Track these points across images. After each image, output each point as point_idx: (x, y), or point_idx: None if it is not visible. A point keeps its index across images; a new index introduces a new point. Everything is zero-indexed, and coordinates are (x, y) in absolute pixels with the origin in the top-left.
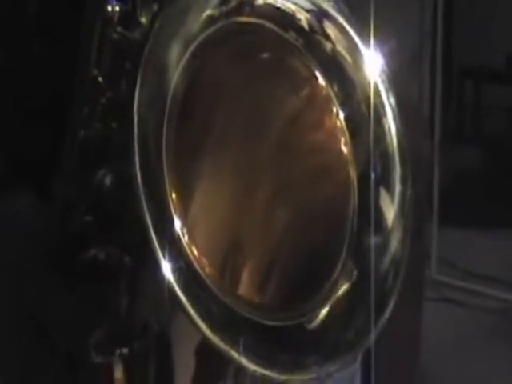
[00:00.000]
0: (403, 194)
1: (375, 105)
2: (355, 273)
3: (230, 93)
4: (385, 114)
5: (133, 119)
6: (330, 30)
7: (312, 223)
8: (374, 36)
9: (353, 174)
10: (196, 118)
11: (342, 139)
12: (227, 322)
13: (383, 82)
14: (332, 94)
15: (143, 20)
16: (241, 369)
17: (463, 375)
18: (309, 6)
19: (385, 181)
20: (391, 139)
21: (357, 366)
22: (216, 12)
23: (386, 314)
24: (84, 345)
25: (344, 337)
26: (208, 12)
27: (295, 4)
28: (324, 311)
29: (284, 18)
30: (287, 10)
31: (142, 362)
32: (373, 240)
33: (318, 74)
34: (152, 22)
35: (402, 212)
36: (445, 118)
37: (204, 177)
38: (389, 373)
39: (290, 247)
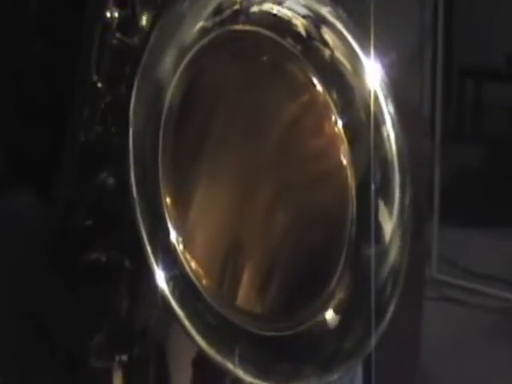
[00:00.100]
0: (402, 202)
1: (374, 112)
2: (353, 283)
3: (228, 99)
4: (384, 122)
5: (129, 131)
6: (328, 36)
7: (311, 230)
8: (374, 43)
9: (351, 182)
10: (193, 126)
11: (341, 147)
12: (223, 333)
13: (382, 88)
14: (330, 101)
15: (143, 24)
16: (238, 380)
17: (463, 374)
18: (305, 11)
19: (384, 190)
20: (390, 146)
21: (357, 367)
22: (209, 23)
23: (385, 322)
24: (84, 345)
25: (342, 346)
26: (201, 24)
27: (291, 10)
28: (321, 321)
29: (280, 25)
30: (283, 17)
31: (141, 368)
32: (373, 252)
33: (316, 80)
34: (147, 34)
35: (401, 221)
36: (445, 117)
37: (201, 185)
38: (389, 372)
39: (290, 254)
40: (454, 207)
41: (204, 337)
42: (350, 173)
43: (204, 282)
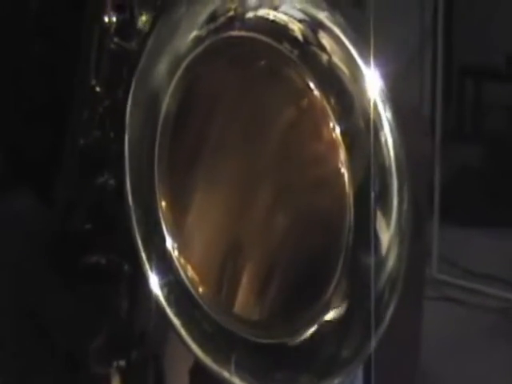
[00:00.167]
0: (400, 209)
1: (372, 118)
2: (350, 290)
3: (225, 105)
4: (382, 127)
5: (124, 139)
6: (326, 40)
7: (309, 237)
8: (373, 48)
9: (349, 189)
10: (190, 133)
11: (339, 153)
12: (220, 341)
13: (380, 93)
14: (328, 107)
15: (141, 27)
16: None
17: (464, 374)
18: (301, 16)
19: (382, 198)
20: (388, 152)
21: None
22: (203, 32)
23: (383, 328)
24: (84, 346)
25: (339, 355)
26: (195, 33)
27: (287, 15)
28: (317, 329)
29: (276, 30)
30: (279, 22)
31: (139, 373)
32: (373, 262)
33: (313, 86)
34: (144, 40)
35: (399, 228)
36: (445, 116)
37: (198, 191)
38: (389, 372)
39: (287, 260)
40: (454, 207)
41: (200, 345)
42: (347, 180)
43: (200, 288)
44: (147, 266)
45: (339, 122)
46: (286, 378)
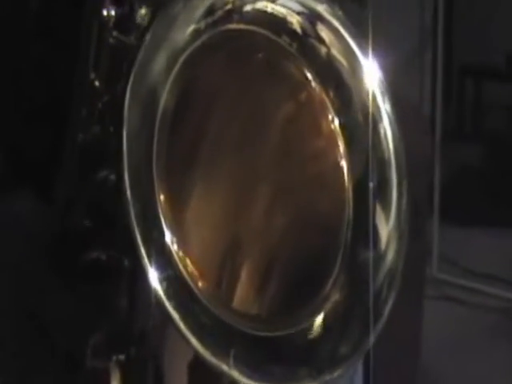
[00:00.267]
0: (399, 203)
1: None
2: (348, 285)
3: (223, 99)
4: (381, 119)
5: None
6: (324, 33)
7: (308, 231)
8: (372, 40)
9: (348, 183)
10: (188, 128)
11: (338, 147)
12: (219, 334)
13: (379, 86)
14: (327, 100)
15: (140, 21)
16: (234, 382)
17: (464, 374)
18: (300, 8)
19: (381, 191)
20: (387, 145)
21: (357, 366)
22: (201, 25)
23: (381, 324)
24: (84, 345)
25: (338, 350)
26: (193, 26)
27: (285, 7)
28: (315, 324)
29: (275, 23)
30: (278, 14)
31: (139, 368)
32: (371, 258)
33: (312, 78)
34: (142, 35)
35: (398, 223)
36: (445, 116)
37: (197, 186)
38: (389, 372)
39: (287, 256)
40: (454, 206)
41: (199, 338)
42: (346, 174)
43: (199, 283)
44: (146, 261)
45: (338, 114)
46: (285, 372)
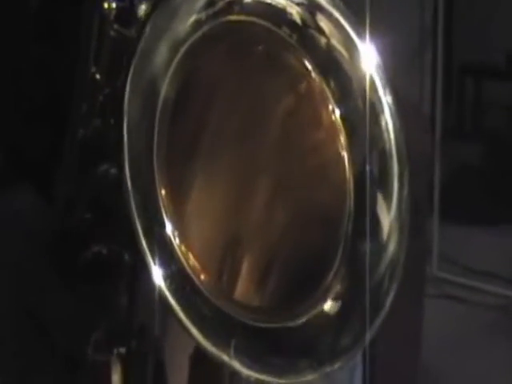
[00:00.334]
0: (400, 194)
1: (372, 102)
2: (349, 276)
3: (224, 91)
4: (382, 111)
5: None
6: (324, 23)
7: (309, 224)
8: (371, 30)
9: (349, 174)
10: (189, 120)
11: (339, 137)
12: (219, 325)
13: (380, 77)
14: (328, 91)
15: (141, 15)
16: (236, 373)
17: (464, 372)
18: None
19: (382, 182)
20: (388, 136)
21: (357, 362)
22: (202, 16)
23: (382, 316)
24: (84, 343)
25: (338, 341)
26: (194, 17)
27: None
28: (316, 315)
29: (275, 14)
30: (277, 5)
31: (139, 361)
32: (368, 247)
33: (312, 69)
34: (142, 27)
35: (399, 214)
36: (446, 115)
37: (198, 178)
38: (390, 369)
39: (288, 248)
40: (454, 205)
41: (200, 329)
42: (347, 164)
43: (201, 276)
44: (148, 254)
45: (338, 105)
46: (286, 363)
